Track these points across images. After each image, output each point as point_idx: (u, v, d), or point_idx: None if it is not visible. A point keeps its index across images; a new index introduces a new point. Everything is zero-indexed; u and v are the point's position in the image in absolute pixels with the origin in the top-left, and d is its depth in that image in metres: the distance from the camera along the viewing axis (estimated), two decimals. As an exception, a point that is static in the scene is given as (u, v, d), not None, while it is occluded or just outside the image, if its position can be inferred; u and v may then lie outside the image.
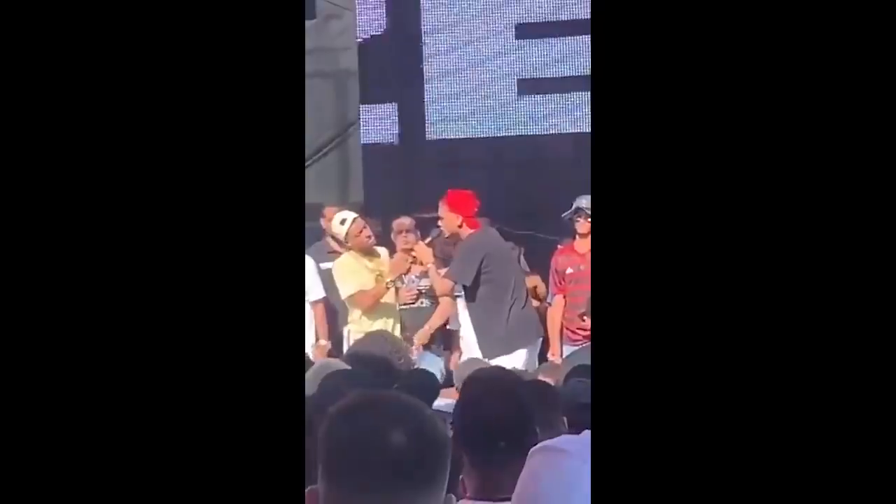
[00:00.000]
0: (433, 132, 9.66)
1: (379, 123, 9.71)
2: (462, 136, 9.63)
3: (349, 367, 4.75)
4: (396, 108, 9.80)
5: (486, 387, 3.07)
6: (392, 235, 7.89)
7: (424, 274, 7.68)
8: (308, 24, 8.90)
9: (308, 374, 4.55)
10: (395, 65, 9.74)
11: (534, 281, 8.04)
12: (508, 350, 7.12)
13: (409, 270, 7.75)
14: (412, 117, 9.73)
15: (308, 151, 9.60)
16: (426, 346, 7.44)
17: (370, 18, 9.74)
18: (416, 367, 5.42)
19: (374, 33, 9.72)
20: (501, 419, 2.85)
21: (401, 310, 7.69)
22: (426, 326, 7.57)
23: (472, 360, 6.20)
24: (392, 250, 7.83)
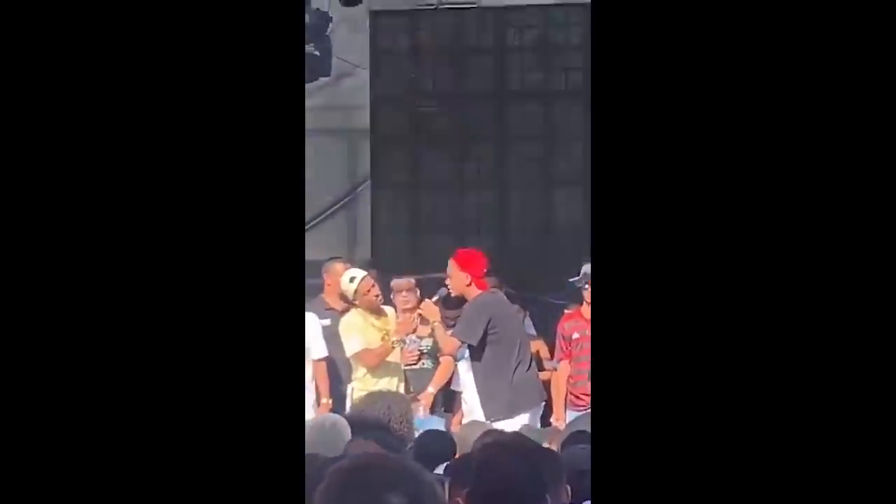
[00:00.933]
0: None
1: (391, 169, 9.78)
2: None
3: (349, 424, 4.72)
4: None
5: (504, 452, 3.04)
6: (391, 295, 7.87)
7: (429, 335, 7.65)
8: (321, 81, 8.95)
9: (310, 430, 4.52)
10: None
11: (538, 345, 8.01)
12: (511, 413, 7.07)
13: (415, 330, 7.72)
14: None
15: (318, 208, 9.62)
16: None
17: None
18: (416, 430, 5.36)
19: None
20: (518, 485, 2.83)
21: (404, 370, 7.66)
22: (429, 388, 7.53)
23: (475, 423, 6.15)
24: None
